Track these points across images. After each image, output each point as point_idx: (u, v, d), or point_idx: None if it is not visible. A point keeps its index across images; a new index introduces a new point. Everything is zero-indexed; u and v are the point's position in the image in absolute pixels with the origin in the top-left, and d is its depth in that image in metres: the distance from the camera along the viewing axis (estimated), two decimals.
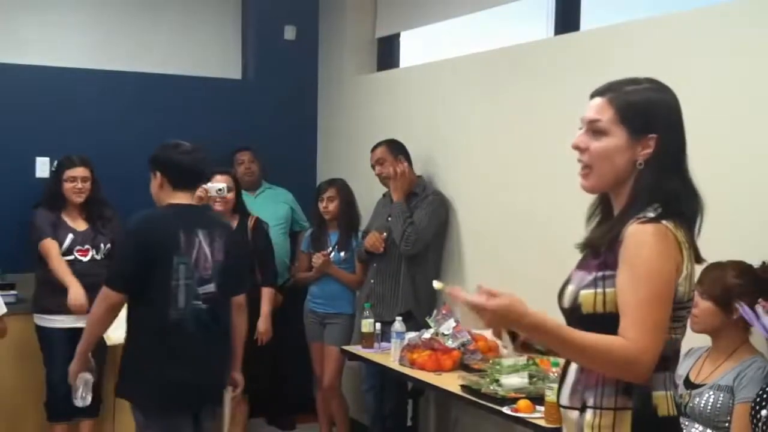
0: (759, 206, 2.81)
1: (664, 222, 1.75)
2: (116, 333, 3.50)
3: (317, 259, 4.52)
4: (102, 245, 4.33)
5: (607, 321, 1.76)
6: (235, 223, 4.32)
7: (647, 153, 1.79)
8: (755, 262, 2.63)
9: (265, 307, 4.36)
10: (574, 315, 1.84)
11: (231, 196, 4.32)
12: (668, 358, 1.80)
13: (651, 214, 1.76)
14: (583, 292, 1.82)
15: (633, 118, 1.80)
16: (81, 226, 4.35)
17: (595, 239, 1.85)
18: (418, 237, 4.17)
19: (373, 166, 4.45)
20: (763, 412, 1.37)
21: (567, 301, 1.87)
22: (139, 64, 5.26)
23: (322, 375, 4.65)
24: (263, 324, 4.36)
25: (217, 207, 4.23)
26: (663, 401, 1.79)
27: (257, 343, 4.33)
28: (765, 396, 2.35)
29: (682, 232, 1.77)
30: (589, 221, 1.93)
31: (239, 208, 4.40)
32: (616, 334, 1.74)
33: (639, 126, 1.80)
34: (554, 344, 1.81)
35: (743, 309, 2.39)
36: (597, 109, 1.84)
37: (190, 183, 3.18)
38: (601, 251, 1.81)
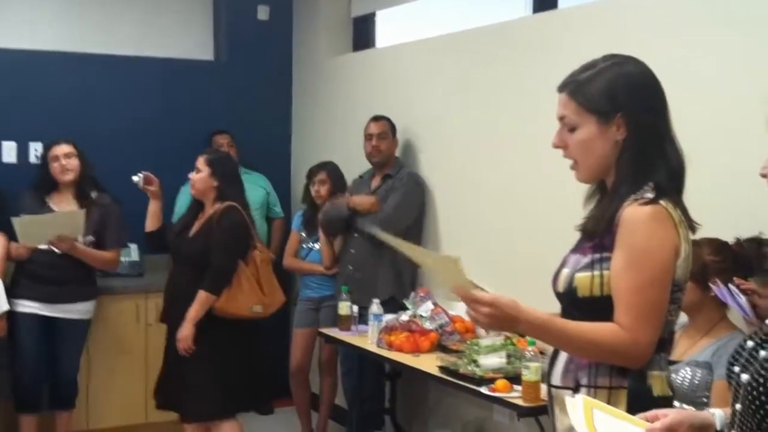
0: (728, 185, 2.79)
1: (662, 202, 1.73)
2: None
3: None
4: (80, 235, 4.12)
5: (603, 304, 1.75)
6: (214, 211, 3.74)
7: (623, 132, 1.78)
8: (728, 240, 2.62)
9: (191, 312, 3.63)
10: (570, 299, 1.83)
11: (198, 177, 3.77)
12: (664, 340, 1.79)
13: (649, 195, 1.74)
14: (578, 275, 1.80)
15: (594, 103, 1.79)
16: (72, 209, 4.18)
17: (591, 222, 1.84)
18: (388, 220, 4.11)
19: (369, 137, 4.33)
20: (736, 369, 1.36)
21: (562, 285, 1.85)
22: (109, 45, 5.19)
23: (304, 359, 4.63)
24: (182, 329, 3.64)
25: (192, 192, 3.87)
26: (658, 381, 1.79)
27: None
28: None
29: (679, 211, 1.76)
30: (587, 203, 1.91)
31: (220, 194, 3.77)
32: (612, 318, 1.73)
33: (603, 109, 1.78)
34: (546, 339, 1.81)
35: (717, 288, 2.38)
36: (561, 105, 1.84)
37: None
38: (596, 233, 1.79)
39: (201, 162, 3.80)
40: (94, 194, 4.26)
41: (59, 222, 4.03)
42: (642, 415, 1.45)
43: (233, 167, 3.95)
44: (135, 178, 3.89)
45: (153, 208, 3.96)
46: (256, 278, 3.73)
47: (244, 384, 3.75)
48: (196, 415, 3.75)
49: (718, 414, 1.44)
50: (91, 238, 4.17)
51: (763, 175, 1.34)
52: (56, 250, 4.10)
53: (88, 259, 4.19)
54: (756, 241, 2.62)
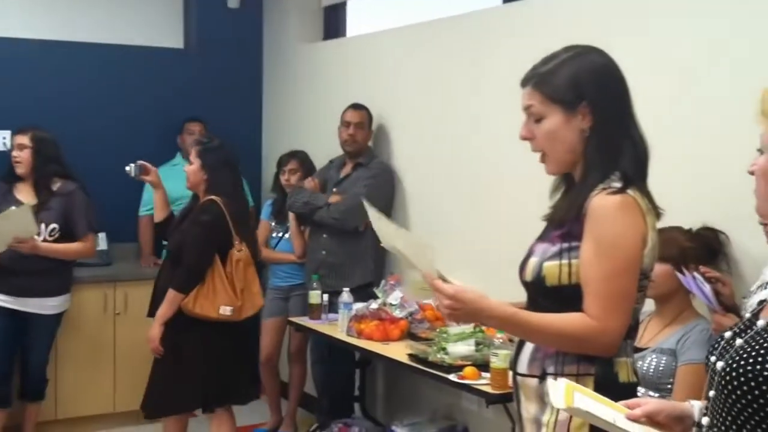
0: (680, 174, 2.82)
1: (630, 192, 1.75)
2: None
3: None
4: (44, 225, 4.03)
5: (572, 293, 1.77)
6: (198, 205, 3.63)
7: (588, 121, 1.79)
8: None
9: (159, 311, 3.53)
10: (538, 288, 1.84)
11: (190, 169, 3.62)
12: (630, 327, 1.81)
13: (617, 184, 1.76)
14: (546, 264, 1.81)
15: (560, 93, 1.80)
16: (31, 201, 4.06)
17: (560, 212, 1.85)
18: (354, 210, 4.12)
19: (347, 124, 4.29)
20: (713, 358, 1.39)
21: (530, 274, 1.85)
22: (78, 33, 5.11)
23: (274, 349, 4.62)
24: (151, 329, 3.55)
25: (187, 184, 3.68)
26: (624, 367, 1.81)
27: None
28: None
29: (646, 199, 1.78)
30: (553, 193, 1.92)
31: (208, 187, 3.59)
32: (581, 307, 1.75)
33: (568, 98, 1.80)
34: (515, 332, 1.83)
35: (683, 276, 2.42)
36: (527, 96, 1.85)
37: None
38: (565, 223, 1.81)
39: (193, 153, 3.65)
40: (57, 185, 4.13)
41: (6, 222, 3.82)
42: (623, 402, 1.48)
43: (224, 158, 3.66)
44: (128, 168, 3.74)
45: (157, 198, 3.79)
46: (230, 279, 3.52)
47: (225, 380, 3.58)
48: (165, 409, 3.65)
49: (697, 406, 1.47)
50: (54, 226, 4.06)
51: (751, 172, 1.37)
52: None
53: (58, 255, 4.07)
54: (711, 230, 2.68)
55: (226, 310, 3.50)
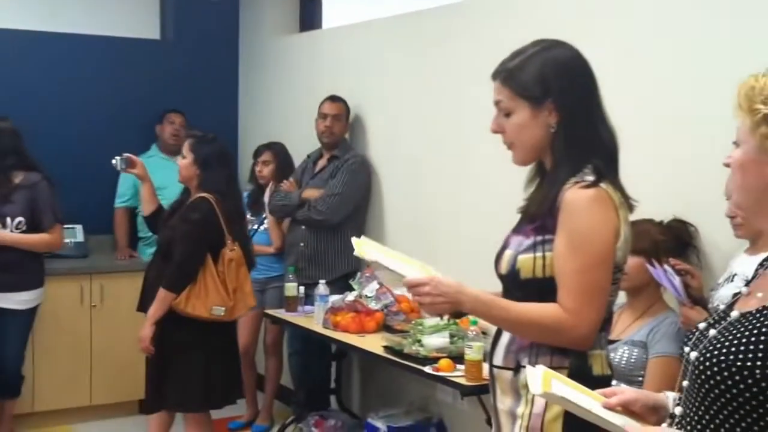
0: (650, 168, 2.85)
1: (602, 185, 1.76)
2: None
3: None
4: (9, 218, 3.98)
5: (546, 285, 1.78)
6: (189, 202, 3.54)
7: (555, 117, 1.81)
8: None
9: (150, 311, 3.44)
10: (513, 280, 1.84)
11: (183, 164, 3.54)
12: (604, 319, 1.82)
13: (590, 178, 1.77)
14: (521, 257, 1.82)
15: (526, 89, 1.82)
16: None
17: (534, 205, 1.86)
18: (333, 205, 4.13)
19: (324, 116, 4.30)
20: (687, 348, 1.41)
21: (505, 267, 1.86)
22: (55, 24, 5.07)
23: (250, 341, 4.61)
24: (142, 328, 3.46)
25: (179, 179, 3.60)
26: (598, 360, 1.83)
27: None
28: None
29: (618, 193, 1.79)
30: (528, 185, 1.94)
31: (201, 182, 3.51)
32: (555, 299, 1.76)
33: (535, 94, 1.81)
34: (491, 319, 1.83)
35: (654, 269, 2.44)
36: (496, 91, 1.87)
37: None
38: (538, 216, 1.82)
39: (186, 147, 3.54)
40: (19, 177, 4.04)
41: None
42: (600, 390, 1.49)
43: (218, 153, 3.56)
44: (114, 161, 3.68)
45: (144, 191, 3.72)
46: (222, 279, 3.43)
47: (220, 381, 3.53)
48: (158, 406, 3.58)
49: (672, 397, 1.48)
50: (20, 219, 4.00)
51: (726, 165, 1.39)
52: None
53: (25, 246, 4.02)
54: (681, 222, 2.71)
55: (218, 311, 3.42)
